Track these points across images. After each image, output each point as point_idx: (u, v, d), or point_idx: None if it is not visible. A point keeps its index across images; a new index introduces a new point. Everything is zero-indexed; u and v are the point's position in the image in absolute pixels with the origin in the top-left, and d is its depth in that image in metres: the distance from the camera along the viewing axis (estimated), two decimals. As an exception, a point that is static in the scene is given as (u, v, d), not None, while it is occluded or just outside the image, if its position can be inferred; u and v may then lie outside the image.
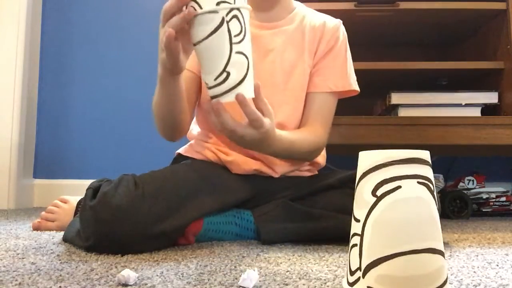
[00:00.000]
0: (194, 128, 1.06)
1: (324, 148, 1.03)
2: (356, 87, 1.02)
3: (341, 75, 1.00)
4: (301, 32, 1.01)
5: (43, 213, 1.06)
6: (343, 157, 1.09)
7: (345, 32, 1.04)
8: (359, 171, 0.49)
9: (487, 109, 1.46)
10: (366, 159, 0.48)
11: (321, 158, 1.04)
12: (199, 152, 0.99)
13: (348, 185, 0.88)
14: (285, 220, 0.88)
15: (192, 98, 1.00)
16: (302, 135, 0.95)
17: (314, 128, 0.97)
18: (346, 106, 1.13)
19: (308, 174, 1.02)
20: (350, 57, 1.04)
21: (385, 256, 0.44)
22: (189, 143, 1.05)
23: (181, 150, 1.04)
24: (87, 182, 0.85)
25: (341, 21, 1.05)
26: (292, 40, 1.00)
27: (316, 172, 1.05)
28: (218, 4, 0.64)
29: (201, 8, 0.65)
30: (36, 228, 1.04)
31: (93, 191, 0.79)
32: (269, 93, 0.97)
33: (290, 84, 0.99)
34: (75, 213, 1.02)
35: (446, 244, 0.86)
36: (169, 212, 0.77)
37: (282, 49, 0.99)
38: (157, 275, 0.58)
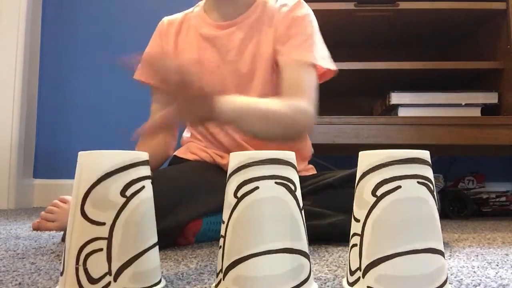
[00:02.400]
0: (185, 135, 1.08)
1: (308, 137, 1.03)
2: (327, 65, 0.95)
3: (307, 48, 0.94)
4: (261, 22, 0.99)
5: (42, 213, 1.06)
6: (343, 157, 1.09)
7: (309, 10, 0.99)
8: (359, 171, 0.48)
9: (487, 109, 1.46)
10: (366, 159, 0.48)
11: (307, 148, 1.04)
12: (194, 153, 1.00)
13: (348, 184, 0.88)
14: None
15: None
16: (276, 100, 0.86)
17: (290, 97, 0.89)
18: (346, 106, 1.13)
19: (305, 173, 1.02)
20: (319, 36, 0.98)
21: (385, 256, 0.44)
22: (185, 145, 1.06)
23: (177, 152, 1.05)
24: (87, 182, 0.85)
25: (302, 0, 1.00)
26: (251, 33, 0.98)
27: (315, 172, 1.05)
28: None
29: None
30: (36, 228, 1.04)
31: None
32: (240, 92, 0.93)
33: (256, 81, 0.97)
34: None
35: (446, 244, 0.86)
36: (167, 211, 0.77)
37: (243, 46, 0.98)
38: (157, 275, 0.58)
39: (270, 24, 0.98)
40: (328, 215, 0.86)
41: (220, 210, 0.88)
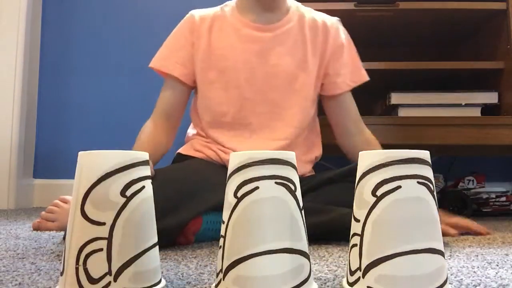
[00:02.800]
0: (191, 132, 1.07)
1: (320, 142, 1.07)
2: (367, 76, 1.08)
3: (355, 69, 1.06)
4: (302, 31, 1.01)
5: (43, 213, 1.06)
6: (343, 157, 1.09)
7: (343, 28, 1.08)
8: (359, 171, 0.48)
9: (487, 109, 1.46)
10: (366, 159, 0.48)
11: (318, 151, 1.06)
12: (199, 150, 0.99)
13: (348, 179, 0.88)
14: None
15: (180, 112, 1.04)
16: (371, 141, 1.05)
17: (364, 128, 1.07)
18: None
19: (307, 174, 1.02)
20: (355, 48, 1.08)
21: (385, 256, 0.44)
22: (189, 142, 1.05)
23: (181, 150, 1.04)
24: (87, 182, 0.85)
25: (338, 19, 1.08)
26: (294, 40, 1.01)
27: (313, 172, 1.05)
28: None
29: None
30: (36, 228, 1.04)
31: None
32: (276, 96, 0.98)
33: (297, 85, 1.00)
34: None
35: (446, 244, 0.86)
36: (168, 210, 0.77)
37: (285, 51, 1.00)
38: (157, 275, 0.58)
39: (314, 38, 1.02)
40: (329, 210, 0.86)
41: (220, 208, 0.88)
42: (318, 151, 1.07)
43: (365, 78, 1.08)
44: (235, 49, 1.00)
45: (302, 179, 0.98)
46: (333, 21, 1.06)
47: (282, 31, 1.00)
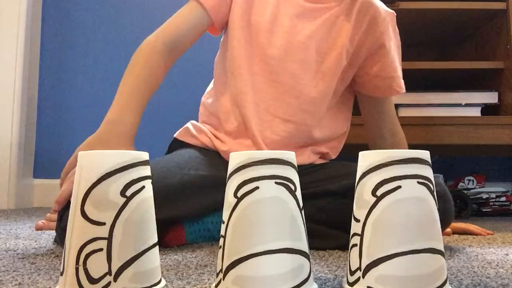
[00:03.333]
0: (210, 100, 1.00)
1: (343, 143, 1.02)
2: (403, 87, 0.98)
3: (399, 73, 0.96)
4: (349, 11, 0.93)
5: (48, 214, 1.05)
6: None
7: (396, 26, 0.98)
8: (359, 171, 0.48)
9: (487, 109, 1.46)
10: (366, 159, 0.48)
11: (334, 153, 1.01)
12: (194, 136, 0.95)
13: (350, 195, 0.83)
14: None
15: (186, 45, 0.92)
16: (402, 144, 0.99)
17: (400, 132, 1.00)
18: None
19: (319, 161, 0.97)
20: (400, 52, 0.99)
21: (385, 256, 0.44)
22: (184, 126, 1.00)
23: (177, 134, 1.00)
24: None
25: (395, 14, 0.98)
26: (336, 19, 0.93)
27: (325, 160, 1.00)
28: None
29: None
30: (40, 229, 1.03)
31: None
32: (301, 69, 0.91)
33: (323, 66, 0.92)
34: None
35: (446, 244, 0.86)
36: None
37: (323, 27, 0.92)
38: (157, 275, 0.58)
39: (359, 23, 0.92)
40: (330, 235, 0.81)
41: (201, 214, 0.84)
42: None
43: (402, 89, 0.97)
44: (272, 6, 0.92)
45: (304, 172, 0.89)
46: (387, 14, 0.95)
47: (326, 7, 0.93)
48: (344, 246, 0.76)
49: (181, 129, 1.01)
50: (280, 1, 0.93)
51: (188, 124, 1.00)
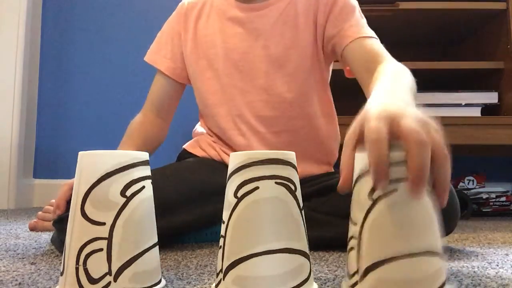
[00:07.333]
0: (198, 128, 1.05)
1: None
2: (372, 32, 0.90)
3: (364, 26, 0.90)
4: (294, 6, 0.93)
5: (39, 213, 1.05)
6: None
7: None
8: (356, 173, 0.47)
9: (487, 109, 1.46)
10: (362, 160, 0.47)
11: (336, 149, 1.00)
12: (203, 149, 0.97)
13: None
14: None
15: (170, 106, 1.01)
16: (388, 66, 0.82)
17: (385, 59, 0.85)
18: (346, 106, 1.12)
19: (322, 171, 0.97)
20: (361, 14, 0.92)
21: (383, 260, 0.44)
22: (195, 139, 1.02)
23: (186, 146, 1.02)
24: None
25: None
26: (285, 17, 0.93)
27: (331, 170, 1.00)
28: None
29: None
30: (33, 228, 1.02)
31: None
32: (270, 79, 0.92)
33: (289, 68, 0.92)
34: None
35: (446, 244, 0.86)
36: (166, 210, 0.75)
37: (275, 31, 0.93)
38: (157, 275, 0.58)
39: (307, 9, 0.92)
40: (332, 223, 0.81)
41: (197, 228, 0.84)
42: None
43: (374, 35, 0.89)
44: (223, 34, 0.95)
45: (309, 178, 0.90)
46: None
47: (270, 9, 0.93)
48: (343, 237, 0.77)
49: (191, 140, 1.03)
50: (223, 25, 0.96)
51: (200, 137, 1.02)
